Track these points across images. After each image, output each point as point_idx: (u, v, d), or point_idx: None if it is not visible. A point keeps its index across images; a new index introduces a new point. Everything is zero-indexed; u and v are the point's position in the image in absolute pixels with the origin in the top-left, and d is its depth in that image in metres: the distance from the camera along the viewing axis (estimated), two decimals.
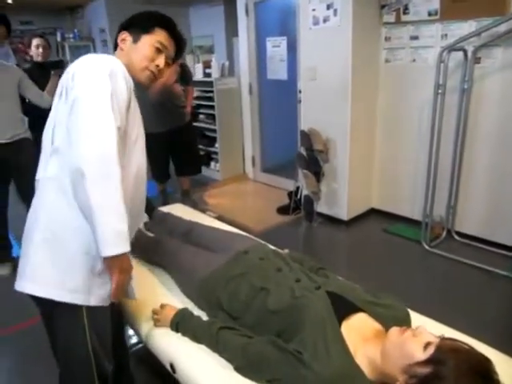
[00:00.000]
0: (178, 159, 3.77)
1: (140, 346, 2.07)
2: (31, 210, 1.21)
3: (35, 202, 1.20)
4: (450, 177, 3.12)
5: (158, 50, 1.30)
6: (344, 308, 1.20)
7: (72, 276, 1.14)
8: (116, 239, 1.06)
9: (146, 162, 1.30)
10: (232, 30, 5.12)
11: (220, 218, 2.83)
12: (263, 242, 1.73)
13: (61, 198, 1.12)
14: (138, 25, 1.31)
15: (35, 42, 3.40)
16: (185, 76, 3.65)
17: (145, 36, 1.29)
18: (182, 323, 1.37)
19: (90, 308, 1.18)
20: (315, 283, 1.30)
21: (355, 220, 3.63)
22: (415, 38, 3.13)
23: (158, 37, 1.30)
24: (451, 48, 2.72)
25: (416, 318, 1.35)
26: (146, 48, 1.29)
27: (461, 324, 1.37)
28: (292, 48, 3.95)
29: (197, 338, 1.33)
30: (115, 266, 1.11)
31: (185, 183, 3.99)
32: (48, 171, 1.15)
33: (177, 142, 3.63)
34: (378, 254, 3.14)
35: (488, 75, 2.84)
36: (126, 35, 1.31)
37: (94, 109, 1.05)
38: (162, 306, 1.45)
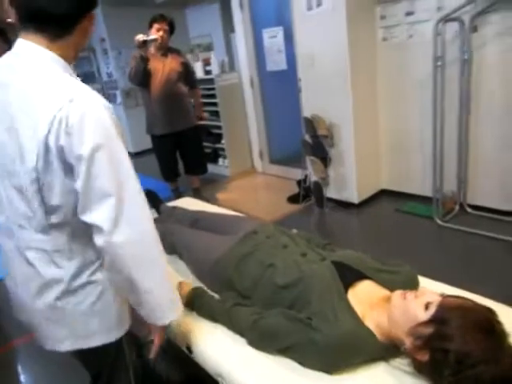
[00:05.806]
0: (185, 159, 3.85)
1: None
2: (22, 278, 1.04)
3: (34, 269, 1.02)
4: (457, 150, 3.08)
5: None
6: (350, 276, 1.21)
7: (106, 318, 1.09)
8: (172, 305, 1.09)
9: None
10: (229, 26, 5.14)
11: None
12: (269, 222, 1.74)
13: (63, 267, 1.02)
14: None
15: None
16: (188, 76, 3.68)
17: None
18: (196, 301, 1.39)
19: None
20: (320, 255, 1.32)
21: (366, 202, 3.61)
22: (410, 13, 3.10)
23: None
24: (447, 19, 2.70)
25: (432, 286, 1.34)
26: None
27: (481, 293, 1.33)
28: (289, 37, 3.93)
29: (211, 316, 1.35)
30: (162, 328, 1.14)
31: (195, 182, 4.05)
32: (50, 244, 1.00)
33: (184, 143, 3.71)
34: (392, 233, 3.12)
35: (487, 43, 2.79)
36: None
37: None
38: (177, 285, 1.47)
